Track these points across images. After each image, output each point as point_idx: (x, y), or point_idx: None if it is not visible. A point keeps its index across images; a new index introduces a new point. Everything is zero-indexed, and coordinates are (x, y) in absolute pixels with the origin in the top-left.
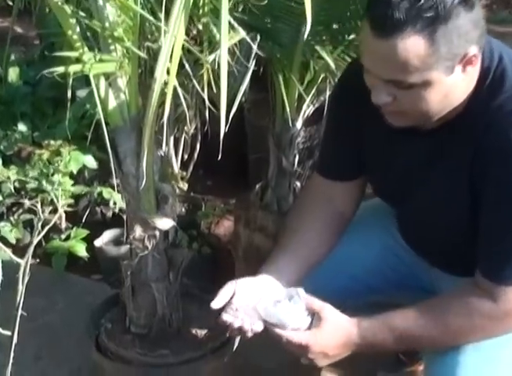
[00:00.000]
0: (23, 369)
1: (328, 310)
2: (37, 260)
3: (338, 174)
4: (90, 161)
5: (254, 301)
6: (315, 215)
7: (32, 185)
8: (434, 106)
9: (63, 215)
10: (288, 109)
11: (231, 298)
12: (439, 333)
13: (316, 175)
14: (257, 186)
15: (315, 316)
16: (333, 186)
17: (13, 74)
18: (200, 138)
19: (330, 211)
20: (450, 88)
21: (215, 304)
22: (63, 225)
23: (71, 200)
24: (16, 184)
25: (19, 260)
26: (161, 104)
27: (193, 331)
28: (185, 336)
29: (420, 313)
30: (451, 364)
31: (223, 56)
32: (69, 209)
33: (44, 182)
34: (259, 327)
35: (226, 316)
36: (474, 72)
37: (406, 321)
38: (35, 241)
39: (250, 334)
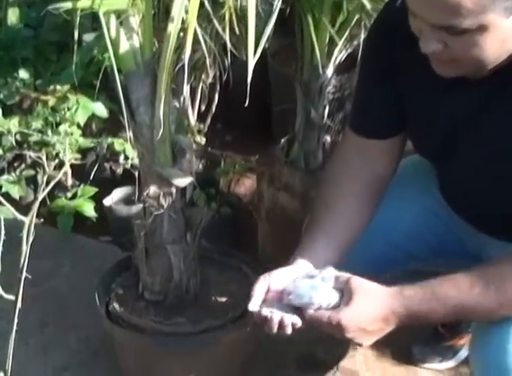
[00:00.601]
0: (28, 336)
1: (357, 282)
2: (42, 220)
3: (375, 130)
4: (100, 109)
5: None
6: (350, 182)
7: (35, 137)
8: (490, 54)
9: (69, 171)
10: (318, 54)
11: (266, 293)
12: (497, 302)
13: (349, 133)
14: (283, 141)
15: (344, 291)
16: (369, 145)
17: (13, 15)
18: (218, 88)
19: (368, 176)
20: (509, 32)
21: (253, 306)
22: (69, 182)
23: (78, 155)
24: (18, 137)
25: (22, 217)
26: (176, 49)
27: (212, 298)
28: (203, 303)
29: (474, 281)
30: (505, 336)
31: None
32: (75, 164)
33: (49, 133)
34: (298, 321)
35: (265, 311)
36: None
37: (459, 290)
38: (40, 197)
39: (289, 330)
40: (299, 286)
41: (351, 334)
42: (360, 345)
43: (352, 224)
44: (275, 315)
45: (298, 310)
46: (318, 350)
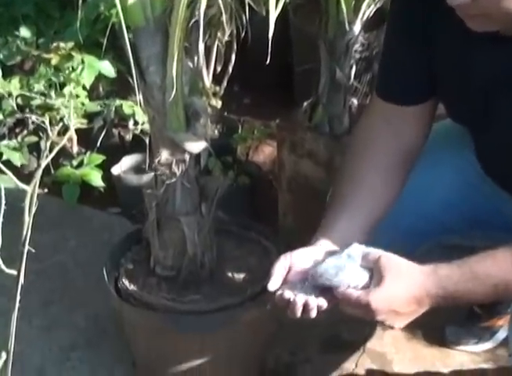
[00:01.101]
0: (31, 315)
1: (388, 260)
2: (46, 190)
3: (404, 95)
4: (107, 68)
5: None
6: (377, 154)
7: (38, 101)
8: None
9: (75, 138)
10: (344, 9)
11: (287, 273)
12: None
13: (376, 100)
14: (305, 104)
15: (374, 270)
16: (398, 112)
17: None
18: (235, 46)
19: (397, 147)
20: None
21: (272, 285)
22: (75, 149)
23: (84, 120)
24: (19, 100)
25: (24, 186)
26: (190, 3)
27: (229, 274)
28: (219, 279)
29: None
30: None
31: None
32: (81, 129)
33: (52, 95)
34: (324, 303)
35: (288, 293)
36: None
37: (500, 267)
38: (43, 164)
39: (314, 313)
40: (323, 266)
41: (381, 316)
42: (391, 327)
43: (379, 200)
44: (299, 298)
45: (322, 292)
46: (342, 331)
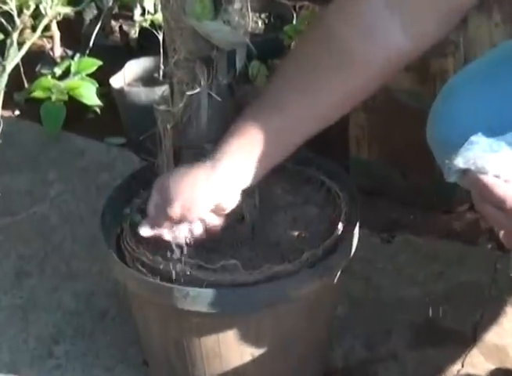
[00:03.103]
0: (2, 290)
1: None
2: (17, 112)
3: None
4: None
5: None
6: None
7: None
8: None
9: (57, 34)
10: None
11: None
12: None
13: None
14: None
15: None
16: None
17: None
18: None
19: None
20: None
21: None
22: (58, 51)
23: (68, 8)
24: None
25: None
26: None
27: (278, 231)
28: (264, 239)
29: None
30: None
31: None
32: (66, 21)
33: None
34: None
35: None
36: None
37: None
38: (9, 68)
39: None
40: (474, 143)
41: None
42: None
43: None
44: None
45: None
46: (445, 315)
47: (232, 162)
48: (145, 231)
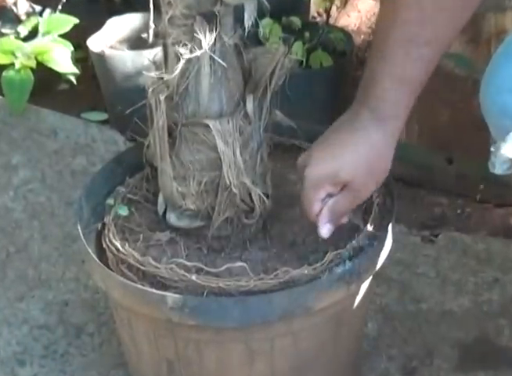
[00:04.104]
0: None
1: None
2: None
3: None
4: None
5: None
6: None
7: None
8: None
9: None
10: None
11: None
12: None
13: None
14: None
15: None
16: None
17: None
18: None
19: None
20: None
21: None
22: (23, 6)
23: None
24: None
25: None
26: None
27: (295, 225)
28: (278, 235)
29: None
30: None
31: None
32: None
33: None
34: None
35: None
36: None
37: None
38: None
39: None
40: None
41: None
42: None
43: None
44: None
45: None
46: (499, 332)
47: (399, 110)
48: (327, 230)
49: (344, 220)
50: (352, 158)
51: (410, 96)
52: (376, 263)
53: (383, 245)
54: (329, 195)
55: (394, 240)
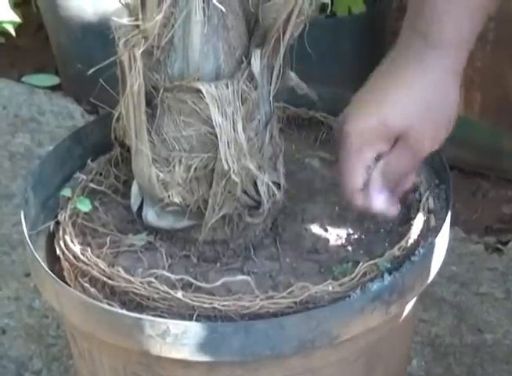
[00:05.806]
0: None
1: None
2: None
3: None
4: None
5: None
6: None
7: None
8: None
9: None
10: None
11: None
12: None
13: None
14: None
15: None
16: None
17: None
18: None
19: None
20: None
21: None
22: None
23: None
24: None
25: None
26: None
27: (314, 227)
28: (290, 242)
29: None
30: None
31: None
32: None
33: None
34: None
35: None
36: None
37: None
38: None
39: None
40: None
41: None
42: None
43: None
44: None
45: None
46: None
47: (458, 35)
48: (381, 203)
49: (408, 185)
50: (404, 101)
51: (472, 18)
52: (425, 279)
53: (433, 255)
54: (378, 158)
55: (449, 249)
